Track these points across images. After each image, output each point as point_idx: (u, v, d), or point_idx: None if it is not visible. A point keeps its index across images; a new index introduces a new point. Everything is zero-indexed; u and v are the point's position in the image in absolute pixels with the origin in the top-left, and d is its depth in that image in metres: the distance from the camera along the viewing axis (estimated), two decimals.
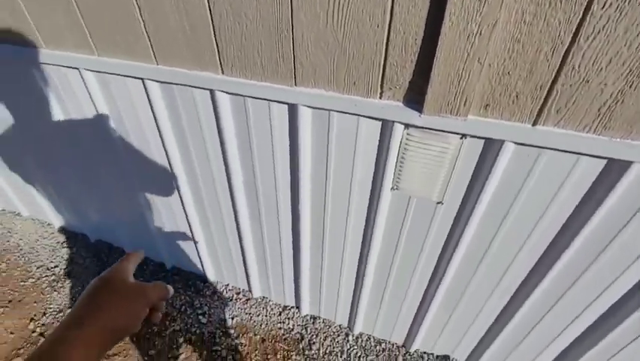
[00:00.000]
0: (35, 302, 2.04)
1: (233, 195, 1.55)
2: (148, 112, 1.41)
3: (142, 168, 1.67)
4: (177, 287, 2.10)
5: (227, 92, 1.22)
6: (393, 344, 1.87)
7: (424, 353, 1.83)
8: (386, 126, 1.11)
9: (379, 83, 1.04)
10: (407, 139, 1.11)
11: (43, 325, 1.94)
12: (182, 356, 1.82)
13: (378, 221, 1.35)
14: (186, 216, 1.78)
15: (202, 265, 2.05)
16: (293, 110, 1.18)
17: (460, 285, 1.44)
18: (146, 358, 1.81)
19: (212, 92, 1.24)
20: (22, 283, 2.14)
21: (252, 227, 1.68)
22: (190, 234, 1.90)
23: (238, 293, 2.07)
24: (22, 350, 1.84)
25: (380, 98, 1.07)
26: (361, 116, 1.11)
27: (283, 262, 1.77)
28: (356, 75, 1.05)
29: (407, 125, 1.08)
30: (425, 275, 1.49)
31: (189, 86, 1.26)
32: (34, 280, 2.15)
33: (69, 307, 2.00)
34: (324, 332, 1.91)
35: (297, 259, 1.72)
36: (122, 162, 1.69)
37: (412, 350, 1.84)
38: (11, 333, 1.91)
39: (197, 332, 1.91)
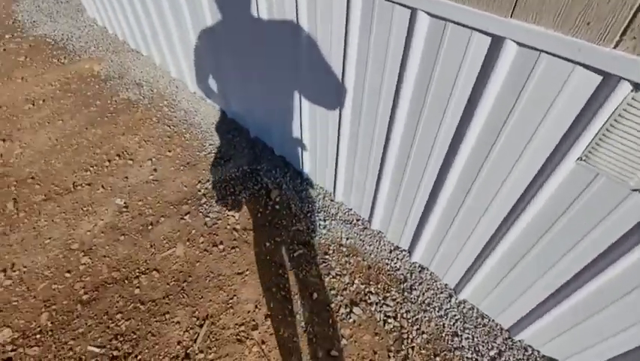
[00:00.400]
0: (204, 170, 2.55)
1: (392, 123, 1.58)
2: (342, 20, 1.49)
3: (316, 79, 1.82)
4: (307, 195, 2.35)
5: (428, 13, 1.20)
6: (496, 324, 1.79)
7: (529, 346, 1.71)
8: (607, 82, 0.96)
9: (621, 29, 0.88)
10: (629, 104, 0.94)
11: (206, 188, 2.43)
12: (298, 252, 2.08)
13: (543, 192, 1.23)
14: (338, 135, 1.91)
15: (334, 185, 2.22)
16: (496, 44, 1.10)
17: (612, 295, 1.25)
18: (271, 241, 2.13)
19: (413, 11, 1.23)
20: (197, 153, 2.67)
21: (397, 164, 1.72)
22: (335, 154, 2.05)
23: (358, 220, 2.20)
24: (189, 201, 2.36)
25: (615, 47, 0.91)
26: (579, 64, 0.97)
27: (413, 207, 1.79)
28: (594, 14, 0.90)
29: (638, 87, 0.91)
30: (572, 270, 1.33)
31: (391, 1, 1.27)
32: (206, 153, 2.67)
33: (223, 180, 2.45)
34: (428, 285, 1.93)
35: (429, 208, 1.71)
36: (300, 70, 1.86)
37: (515, 338, 1.73)
38: (185, 186, 2.45)
39: (316, 238, 2.14)
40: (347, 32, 1.49)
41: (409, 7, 1.24)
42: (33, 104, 3.10)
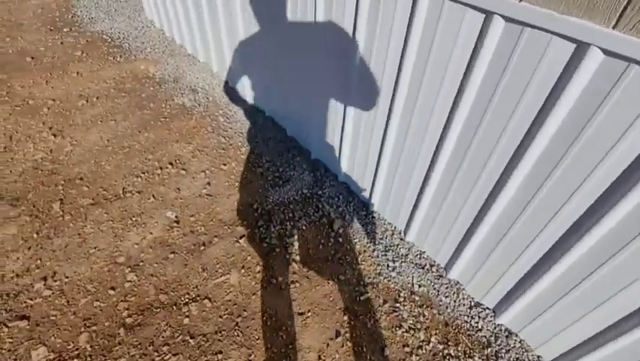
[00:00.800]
0: (260, 189, 2.37)
1: (502, 184, 1.37)
2: (467, 56, 1.30)
3: (418, 123, 1.62)
4: (374, 230, 2.13)
5: (605, 51, 0.99)
6: None
7: None
8: None
9: None
10: None
11: (263, 209, 2.24)
12: (365, 295, 1.85)
13: None
14: (424, 182, 1.71)
15: (408, 224, 2.00)
16: None
17: None
18: (334, 280, 1.91)
19: (581, 45, 1.02)
20: (253, 170, 2.50)
21: (499, 225, 1.49)
22: (416, 198, 1.84)
23: (432, 266, 1.97)
24: (244, 222, 2.18)
25: None
26: None
27: (513, 268, 1.55)
28: None
29: None
30: None
31: (548, 31, 1.07)
32: (262, 170, 2.49)
33: (282, 203, 2.26)
34: (517, 354, 1.67)
35: (536, 274, 1.47)
36: (395, 103, 1.67)
37: None
38: (240, 205, 2.28)
39: (384, 280, 1.91)
40: (468, 73, 1.30)
41: (577, 42, 1.04)
42: (87, 101, 3.02)
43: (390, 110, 1.72)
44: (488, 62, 1.25)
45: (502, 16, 1.15)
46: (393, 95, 1.65)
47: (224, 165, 2.53)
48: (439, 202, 1.74)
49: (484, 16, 1.20)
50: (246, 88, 3.00)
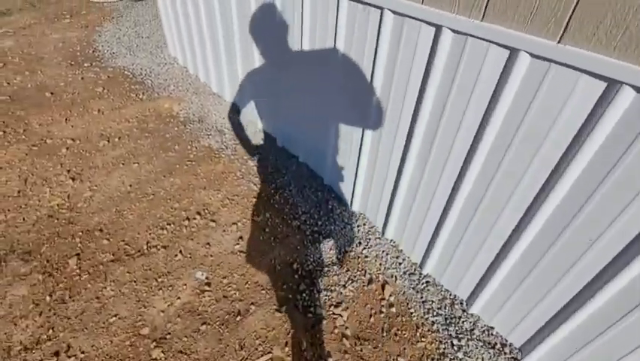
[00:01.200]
0: (298, 246, 2.14)
1: (606, 284, 1.16)
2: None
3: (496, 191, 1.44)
4: (430, 298, 1.89)
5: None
6: None
7: None
8: None
9: None
10: None
11: (304, 270, 2.01)
12: None
13: None
14: (502, 249, 1.50)
15: (472, 294, 1.77)
16: None
17: None
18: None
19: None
20: (289, 222, 2.29)
21: (595, 315, 1.27)
22: (486, 268, 1.63)
23: (504, 345, 1.71)
24: (284, 286, 1.94)
25: None
26: None
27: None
28: None
29: None
30: None
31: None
32: (299, 223, 2.28)
33: (324, 264, 2.03)
34: None
35: None
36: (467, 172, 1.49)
37: None
38: (278, 265, 2.04)
39: None
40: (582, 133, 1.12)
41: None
42: (108, 141, 2.86)
43: (460, 174, 1.53)
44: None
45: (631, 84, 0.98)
46: (470, 154, 1.47)
47: (257, 215, 2.32)
48: (519, 279, 1.52)
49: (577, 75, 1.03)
50: (276, 130, 2.85)
